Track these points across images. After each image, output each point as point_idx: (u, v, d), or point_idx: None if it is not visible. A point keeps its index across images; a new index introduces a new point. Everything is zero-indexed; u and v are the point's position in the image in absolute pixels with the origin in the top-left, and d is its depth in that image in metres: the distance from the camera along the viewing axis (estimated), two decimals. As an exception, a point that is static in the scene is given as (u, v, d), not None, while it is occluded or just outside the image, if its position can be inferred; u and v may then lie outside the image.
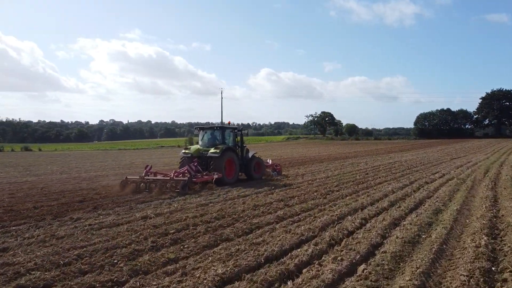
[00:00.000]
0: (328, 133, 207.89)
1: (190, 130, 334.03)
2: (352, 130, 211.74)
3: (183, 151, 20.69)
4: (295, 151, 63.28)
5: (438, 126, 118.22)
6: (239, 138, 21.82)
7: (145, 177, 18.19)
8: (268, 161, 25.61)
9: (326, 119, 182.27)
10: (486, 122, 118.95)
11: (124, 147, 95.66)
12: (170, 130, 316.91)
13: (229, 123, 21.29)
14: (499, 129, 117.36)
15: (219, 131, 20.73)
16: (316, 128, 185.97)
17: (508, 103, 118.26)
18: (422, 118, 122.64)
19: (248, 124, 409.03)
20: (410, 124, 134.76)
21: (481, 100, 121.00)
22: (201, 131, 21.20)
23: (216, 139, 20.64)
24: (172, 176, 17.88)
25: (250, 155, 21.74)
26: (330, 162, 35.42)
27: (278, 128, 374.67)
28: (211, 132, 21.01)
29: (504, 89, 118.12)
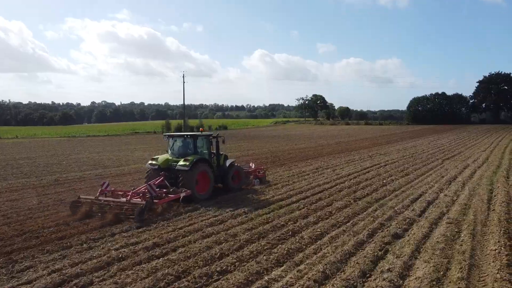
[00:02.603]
0: (321, 115, 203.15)
1: (182, 113, 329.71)
2: (345, 113, 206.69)
3: (150, 162, 17.87)
4: (272, 144, 57.82)
5: (433, 110, 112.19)
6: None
7: (99, 198, 15.11)
8: (250, 165, 22.95)
9: (318, 102, 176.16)
10: (483, 106, 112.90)
11: (98, 133, 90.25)
12: (161, 112, 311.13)
13: (201, 130, 18.36)
14: (497, 115, 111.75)
15: (190, 140, 17.94)
16: (307, 111, 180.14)
17: (506, 87, 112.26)
18: (416, 103, 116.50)
19: (243, 106, 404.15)
20: (405, 107, 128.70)
21: (478, 84, 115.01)
22: (170, 139, 18.45)
23: (188, 148, 17.92)
24: (128, 198, 14.69)
25: (228, 163, 19.19)
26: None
27: (272, 110, 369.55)
28: (181, 140, 18.25)
29: (502, 72, 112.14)
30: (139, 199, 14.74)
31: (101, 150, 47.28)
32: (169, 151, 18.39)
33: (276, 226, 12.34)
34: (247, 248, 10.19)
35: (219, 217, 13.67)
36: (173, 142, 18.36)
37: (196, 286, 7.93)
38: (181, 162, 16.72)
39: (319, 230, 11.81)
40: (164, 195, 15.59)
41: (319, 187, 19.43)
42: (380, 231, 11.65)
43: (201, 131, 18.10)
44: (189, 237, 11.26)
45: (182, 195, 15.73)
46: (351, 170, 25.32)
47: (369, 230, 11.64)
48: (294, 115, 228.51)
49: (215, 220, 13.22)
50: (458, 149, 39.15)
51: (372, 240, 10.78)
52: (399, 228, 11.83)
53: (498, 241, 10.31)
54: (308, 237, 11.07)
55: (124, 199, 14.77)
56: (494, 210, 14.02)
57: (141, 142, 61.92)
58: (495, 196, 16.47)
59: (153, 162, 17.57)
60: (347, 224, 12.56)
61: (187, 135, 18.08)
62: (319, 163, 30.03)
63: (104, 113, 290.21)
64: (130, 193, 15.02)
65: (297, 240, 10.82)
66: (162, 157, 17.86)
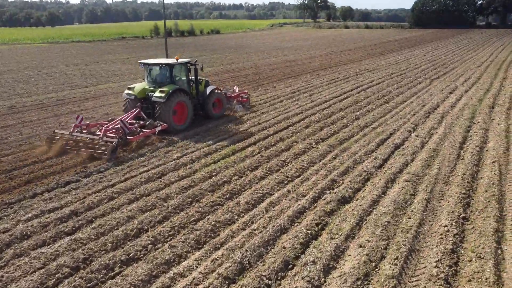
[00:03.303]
0: (322, 16, 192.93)
1: (177, 12, 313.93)
2: (347, 14, 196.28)
3: (126, 91, 17.14)
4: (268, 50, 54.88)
5: (438, 12, 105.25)
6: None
7: (73, 133, 14.63)
8: (234, 89, 22.32)
9: (318, 1, 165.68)
10: (491, 9, 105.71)
11: (83, 37, 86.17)
12: (155, 12, 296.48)
13: (177, 58, 17.10)
14: (504, 18, 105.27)
15: (166, 69, 17.00)
16: (307, 12, 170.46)
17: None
18: (421, 3, 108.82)
19: (241, 5, 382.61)
20: (411, 5, 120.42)
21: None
22: (146, 66, 17.43)
23: (165, 77, 17.16)
24: (101, 134, 14.25)
25: (208, 90, 18.49)
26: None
27: (272, 10, 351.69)
28: (158, 68, 17.33)
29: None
30: (113, 134, 14.32)
31: (79, 61, 45.14)
32: (146, 79, 17.59)
33: (216, 183, 11.20)
34: (170, 221, 9.13)
35: (162, 167, 12.49)
36: (149, 70, 17.42)
37: (88, 285, 6.95)
38: (157, 94, 16.13)
39: (261, 190, 10.68)
40: (138, 129, 15.23)
41: (286, 121, 18.03)
42: (328, 192, 10.54)
43: (177, 59, 16.98)
44: (115, 201, 10.17)
45: (157, 129, 15.50)
46: (329, 95, 23.66)
47: (316, 191, 10.50)
48: (294, 15, 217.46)
49: (155, 173, 12.05)
50: (453, 63, 36.88)
51: (315, 208, 9.70)
52: (349, 188, 10.67)
53: (452, 212, 9.22)
54: (245, 203, 9.97)
55: (97, 136, 14.29)
56: (463, 159, 12.79)
57: (125, 50, 59.25)
58: (470, 136, 15.14)
59: (130, 92, 16.91)
60: (296, 180, 11.41)
61: (162, 64, 16.98)
62: (299, 83, 28.20)
63: (95, 12, 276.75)
64: (102, 129, 14.57)
65: (230, 208, 9.74)
66: (138, 86, 17.13)
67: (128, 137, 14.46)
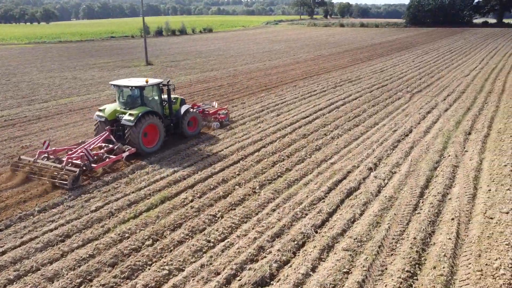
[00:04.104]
0: (320, 13, 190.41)
1: (175, 7, 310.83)
2: (345, 10, 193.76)
3: (97, 113, 16.83)
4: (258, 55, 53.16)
5: (434, 11, 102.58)
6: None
7: (37, 161, 14.34)
8: (213, 104, 21.90)
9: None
10: (488, 7, 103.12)
11: (71, 37, 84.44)
12: (153, 8, 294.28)
13: (147, 81, 16.55)
14: (501, 17, 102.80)
15: (136, 91, 16.55)
16: (303, 8, 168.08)
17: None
18: (416, 2, 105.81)
19: (240, 1, 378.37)
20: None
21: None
22: (117, 88, 16.96)
23: (136, 99, 16.72)
24: (64, 163, 13.89)
25: (183, 110, 18.28)
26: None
27: (271, 5, 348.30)
28: (128, 90, 16.83)
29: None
30: (79, 161, 14.06)
31: (57, 66, 43.56)
32: (117, 100, 17.18)
33: (122, 253, 9.55)
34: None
35: (70, 225, 10.83)
36: (120, 92, 16.97)
37: None
38: (126, 117, 15.85)
39: (170, 265, 9.04)
40: (105, 155, 14.99)
41: (239, 153, 16.40)
42: (248, 268, 8.90)
43: (147, 81, 16.51)
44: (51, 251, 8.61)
45: (124, 155, 15.23)
46: (298, 115, 21.99)
47: (234, 265, 8.87)
48: (292, 11, 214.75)
49: (59, 234, 10.38)
50: (441, 72, 35.12)
51: (224, 294, 8.07)
52: (275, 262, 9.02)
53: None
54: (142, 286, 8.35)
55: (60, 165, 13.91)
56: (419, 213, 11.14)
57: (109, 52, 57.84)
58: (436, 176, 13.50)
59: (100, 114, 16.61)
60: (217, 248, 9.76)
61: (132, 87, 16.43)
62: (271, 98, 26.55)
63: (92, 8, 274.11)
64: (66, 157, 14.19)
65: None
66: (109, 108, 16.79)
67: (93, 165, 14.17)
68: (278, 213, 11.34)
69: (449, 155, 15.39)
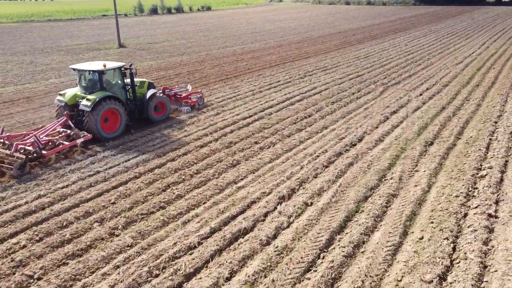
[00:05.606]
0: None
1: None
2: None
3: (58, 97, 16.65)
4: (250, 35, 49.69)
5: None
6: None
7: None
8: (187, 87, 21.38)
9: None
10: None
11: (64, 15, 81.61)
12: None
13: (104, 65, 15.98)
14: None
15: (96, 75, 16.19)
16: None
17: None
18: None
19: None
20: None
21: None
22: (78, 72, 16.74)
23: (96, 84, 16.32)
24: (13, 150, 13.71)
25: (149, 94, 17.82)
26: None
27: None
28: (88, 74, 16.54)
29: None
30: (29, 148, 13.93)
31: (27, 48, 41.37)
32: (78, 85, 16.93)
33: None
34: None
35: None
36: (80, 75, 16.75)
37: None
38: (84, 102, 15.60)
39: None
40: (58, 142, 14.79)
41: (134, 170, 13.41)
42: None
43: (104, 66, 15.93)
44: None
45: (79, 141, 14.94)
46: (240, 114, 18.97)
47: None
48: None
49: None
50: (432, 58, 31.30)
51: None
52: None
53: None
54: None
55: (7, 151, 13.71)
56: (309, 279, 8.04)
57: (92, 32, 56.67)
58: (359, 213, 10.30)
59: (61, 98, 16.44)
60: None
61: (91, 70, 16.14)
62: (223, 91, 23.49)
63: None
64: (15, 144, 13.91)
65: None
66: (70, 92, 16.58)
67: (43, 152, 14.07)
68: (121, 272, 8.36)
69: (391, 178, 12.14)
